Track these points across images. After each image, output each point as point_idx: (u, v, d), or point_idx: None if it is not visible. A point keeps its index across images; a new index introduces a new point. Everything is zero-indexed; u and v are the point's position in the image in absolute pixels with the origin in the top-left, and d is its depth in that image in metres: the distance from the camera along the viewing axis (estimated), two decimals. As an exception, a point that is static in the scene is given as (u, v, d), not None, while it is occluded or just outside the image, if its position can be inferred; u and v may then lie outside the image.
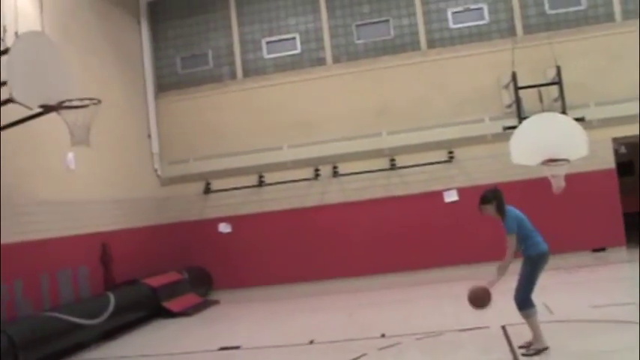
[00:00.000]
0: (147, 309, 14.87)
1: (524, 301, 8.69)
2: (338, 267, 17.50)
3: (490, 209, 8.89)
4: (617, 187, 16.91)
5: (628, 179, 18.86)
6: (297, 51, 18.65)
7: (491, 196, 8.90)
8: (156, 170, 18.63)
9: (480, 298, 8.86)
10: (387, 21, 18.29)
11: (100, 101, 10.76)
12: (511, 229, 8.77)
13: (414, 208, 17.40)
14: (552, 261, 15.96)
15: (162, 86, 19.15)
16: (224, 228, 18.22)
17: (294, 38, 18.72)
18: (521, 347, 8.96)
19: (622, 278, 14.48)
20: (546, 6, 17.50)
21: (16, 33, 10.26)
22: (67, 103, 10.55)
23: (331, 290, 16.71)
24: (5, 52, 9.99)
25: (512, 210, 8.96)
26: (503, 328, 10.37)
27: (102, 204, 15.41)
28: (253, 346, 11.42)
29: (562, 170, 13.73)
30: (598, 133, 16.06)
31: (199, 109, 18.72)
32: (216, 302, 16.81)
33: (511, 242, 8.76)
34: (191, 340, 12.70)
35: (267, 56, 18.77)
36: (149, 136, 18.53)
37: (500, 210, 8.87)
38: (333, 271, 17.50)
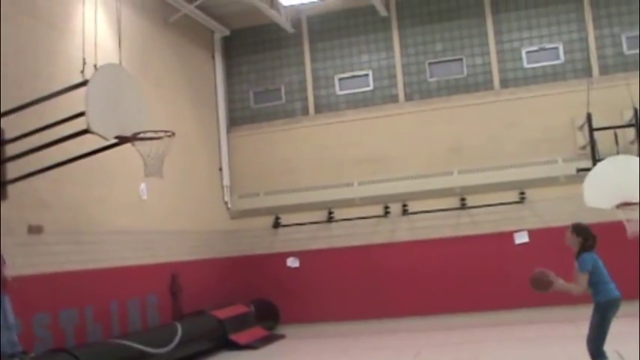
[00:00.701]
0: (213, 340, 14.97)
1: (596, 352, 8.47)
2: (405, 305, 17.30)
3: (574, 241, 8.78)
4: (695, 233, 16.48)
5: None
6: (370, 88, 18.70)
7: (582, 231, 8.81)
8: (226, 203, 18.79)
9: (541, 283, 8.75)
10: (460, 60, 18.25)
11: (173, 134, 10.90)
12: (584, 267, 8.55)
13: (483, 248, 17.18)
14: (627, 308, 15.68)
15: (235, 120, 19.39)
16: (292, 262, 18.20)
17: (366, 75, 18.79)
18: None
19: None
20: (624, 46, 17.26)
21: (95, 66, 10.49)
22: (141, 135, 10.70)
23: (398, 329, 16.57)
24: (84, 84, 10.22)
25: (591, 253, 8.76)
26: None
27: (172, 235, 15.62)
28: (318, 383, 11.41)
29: (637, 214, 13.52)
30: (675, 177, 15.63)
31: (270, 144, 18.85)
32: (282, 337, 16.87)
33: (582, 280, 8.54)
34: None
35: (339, 92, 18.87)
36: (220, 169, 18.73)
37: (582, 246, 8.72)
38: (400, 309, 17.30)
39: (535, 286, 8.81)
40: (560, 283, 8.52)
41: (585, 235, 8.70)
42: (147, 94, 11.76)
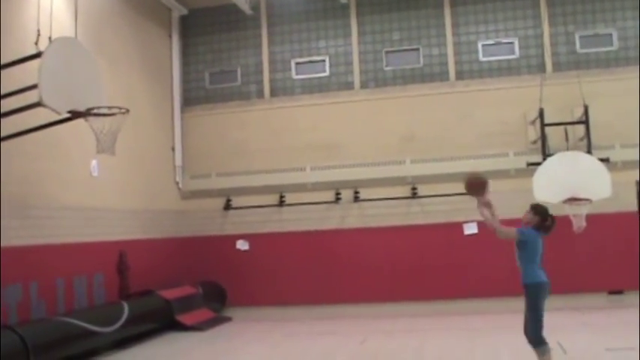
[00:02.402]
0: (160, 321, 14.93)
1: (536, 339, 8.55)
2: (353, 292, 17.38)
3: (532, 219, 9.00)
4: (638, 230, 16.60)
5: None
6: (326, 74, 18.69)
7: (541, 211, 9.00)
8: (177, 183, 18.67)
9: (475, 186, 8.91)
10: (417, 50, 18.30)
11: (127, 111, 10.83)
12: (522, 230, 8.85)
13: (432, 238, 17.30)
14: (568, 301, 16.08)
15: (189, 100, 19.25)
16: (242, 245, 18.13)
17: (323, 61, 18.76)
18: None
19: (637, 322, 14.33)
20: (577, 45, 17.46)
21: (49, 38, 10.35)
22: (95, 111, 10.62)
23: (344, 315, 16.70)
24: (38, 55, 10.07)
25: (537, 232, 8.90)
26: (516, 364, 10.28)
27: (122, 213, 15.49)
28: (263, 366, 11.41)
29: (583, 210, 13.85)
30: (622, 175, 15.94)
31: (224, 126, 18.77)
32: (228, 319, 16.89)
33: (510, 231, 8.84)
34: (202, 355, 12.75)
35: (295, 77, 18.82)
36: (173, 148, 18.58)
37: (538, 225, 8.93)
38: (347, 295, 17.38)
39: (470, 188, 8.93)
40: (491, 211, 8.80)
41: (543, 216, 8.86)
42: (101, 69, 11.63)
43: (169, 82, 18.77)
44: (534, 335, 8.54)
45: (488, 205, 8.81)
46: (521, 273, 8.79)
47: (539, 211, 8.93)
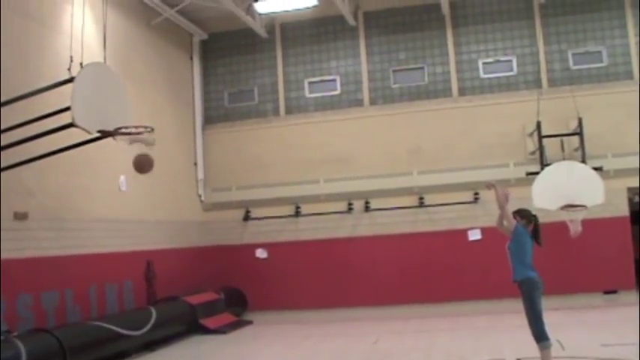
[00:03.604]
0: (185, 324, 15.07)
1: (539, 334, 8.63)
2: (364, 295, 17.50)
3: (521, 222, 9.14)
4: (630, 233, 16.85)
5: (640, 227, 18.78)
6: (337, 92, 18.87)
7: (525, 214, 9.29)
8: (200, 196, 18.85)
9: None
10: (422, 68, 18.47)
11: (152, 129, 10.98)
12: (516, 227, 9.07)
13: (439, 244, 17.39)
14: (566, 300, 16.13)
15: (210, 118, 19.46)
16: (260, 253, 18.29)
17: (334, 80, 18.95)
18: None
19: (631, 320, 14.35)
20: (570, 62, 17.60)
21: (81, 64, 10.54)
22: (123, 130, 10.77)
23: (357, 317, 16.78)
24: (71, 80, 10.27)
25: (527, 232, 9.14)
26: (518, 360, 10.39)
27: (148, 224, 15.68)
28: (282, 365, 11.52)
29: (579, 215, 13.67)
30: (614, 182, 16.05)
31: (243, 142, 18.95)
32: (249, 322, 17.07)
33: (513, 221, 9.06)
34: (224, 357, 12.87)
35: (308, 95, 19.02)
36: (195, 164, 18.81)
37: (536, 237, 9.22)
38: (359, 299, 17.49)
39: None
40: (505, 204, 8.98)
41: (528, 218, 9.10)
42: (128, 91, 11.80)
43: (191, 101, 19.00)
44: (536, 330, 8.62)
45: (506, 196, 9.07)
46: (513, 271, 8.93)
47: (523, 215, 9.15)
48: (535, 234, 9.15)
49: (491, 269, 16.58)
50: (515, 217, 9.10)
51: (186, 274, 16.88)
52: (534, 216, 9.19)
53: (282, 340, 14.57)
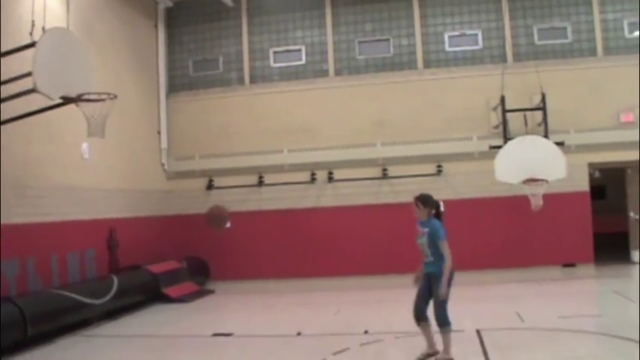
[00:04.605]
0: (147, 293, 15.00)
1: (446, 319, 8.59)
2: (328, 266, 17.60)
3: (422, 212, 8.84)
4: (589, 208, 17.16)
5: (600, 202, 19.05)
6: (302, 62, 18.81)
7: (428, 201, 8.89)
8: (163, 165, 18.75)
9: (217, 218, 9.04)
10: (388, 40, 18.46)
11: (116, 96, 10.86)
12: (444, 235, 8.67)
13: (401, 215, 17.24)
14: (526, 273, 16.41)
15: (174, 87, 19.29)
16: (223, 223, 18.26)
17: (299, 50, 18.87)
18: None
19: (589, 292, 14.70)
20: (535, 37, 17.72)
21: (43, 28, 10.36)
22: (85, 97, 10.64)
23: (320, 287, 16.80)
24: (32, 45, 10.09)
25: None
26: (478, 332, 10.46)
27: (111, 192, 15.55)
28: (244, 334, 11.51)
29: (541, 190, 14.08)
30: (575, 157, 16.31)
31: (207, 111, 18.84)
32: (211, 292, 16.97)
33: (448, 248, 8.64)
34: (187, 325, 12.82)
35: (273, 65, 18.92)
36: (159, 132, 18.66)
37: (431, 215, 8.82)
38: (323, 269, 17.60)
39: (212, 222, 8.97)
40: (443, 282, 8.46)
41: (432, 205, 8.84)
42: (92, 58, 11.64)
43: (155, 70, 18.80)
44: (445, 317, 8.55)
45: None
46: (431, 266, 8.71)
47: (427, 202, 8.84)
48: (441, 216, 8.92)
49: (452, 241, 16.77)
50: (418, 205, 8.85)
51: (149, 243, 16.79)
52: (438, 205, 8.94)
53: (244, 309, 14.58)
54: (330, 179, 18.15)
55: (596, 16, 17.48)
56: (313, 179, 18.23)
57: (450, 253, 8.60)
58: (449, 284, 8.58)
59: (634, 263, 17.43)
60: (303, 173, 18.32)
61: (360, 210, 17.76)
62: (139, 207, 16.87)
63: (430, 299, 8.79)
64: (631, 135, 16.77)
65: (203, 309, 14.87)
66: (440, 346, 8.79)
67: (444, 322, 8.57)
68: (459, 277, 16.27)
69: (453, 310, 12.28)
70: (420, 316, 8.82)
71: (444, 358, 8.63)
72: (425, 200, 8.86)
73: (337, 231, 17.79)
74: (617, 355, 8.73)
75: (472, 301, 13.27)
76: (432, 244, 8.65)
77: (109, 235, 15.10)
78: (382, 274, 17.15)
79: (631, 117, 16.97)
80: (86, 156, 14.44)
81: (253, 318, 13.32)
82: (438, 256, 8.61)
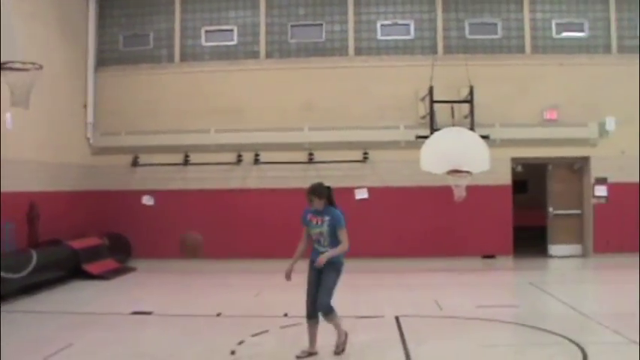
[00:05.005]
0: (67, 269, 14.69)
1: (330, 307, 8.42)
2: (250, 248, 17.61)
3: (319, 203, 8.51)
4: (511, 202, 17.58)
5: (521, 196, 19.44)
6: (234, 42, 18.71)
7: (324, 192, 8.56)
8: (88, 139, 18.41)
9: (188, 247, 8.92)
10: (320, 25, 18.51)
11: (41, 67, 10.58)
12: (344, 223, 8.48)
13: None
14: (447, 263, 16.69)
15: (103, 60, 18.93)
16: (147, 200, 18.18)
17: (231, 30, 18.75)
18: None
19: (506, 283, 15.02)
20: (466, 30, 18.03)
21: (-37, -9, 10.03)
22: (9, 65, 10.35)
23: (242, 269, 16.76)
24: (-48, 9, 9.78)
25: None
26: (397, 318, 10.59)
27: (33, 165, 15.22)
28: (164, 313, 11.42)
29: (464, 181, 14.26)
30: (500, 151, 16.65)
31: (135, 86, 18.58)
32: (133, 269, 16.77)
33: (347, 236, 8.47)
34: (107, 302, 12.66)
35: (204, 44, 18.77)
36: (85, 106, 18.28)
37: (333, 205, 8.60)
38: (246, 251, 17.61)
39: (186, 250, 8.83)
40: (327, 254, 8.32)
41: (325, 194, 8.55)
42: (17, 25, 11.31)
43: (85, 42, 18.41)
44: (329, 305, 8.38)
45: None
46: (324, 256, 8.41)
47: (322, 193, 8.55)
48: (332, 204, 8.65)
49: (377, 228, 17.00)
50: (312, 200, 8.52)
51: (71, 218, 16.51)
52: (329, 188, 8.71)
53: (164, 288, 14.46)
54: (257, 161, 18.15)
55: (526, 15, 17.90)
56: (239, 160, 18.20)
57: (348, 243, 8.47)
58: (338, 273, 8.53)
59: (551, 257, 17.94)
60: (229, 154, 18.27)
61: (285, 193, 17.70)
62: (62, 181, 16.57)
63: None
64: (554, 132, 17.30)
65: (123, 287, 14.72)
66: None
67: (330, 309, 8.41)
68: (381, 263, 16.61)
69: (372, 297, 12.44)
70: (313, 314, 8.56)
71: (343, 341, 8.62)
72: (319, 193, 8.54)
73: (262, 213, 17.81)
74: (531, 344, 8.98)
75: (393, 288, 13.46)
76: (332, 232, 8.46)
77: (29, 208, 14.78)
78: (305, 258, 17.15)
79: (554, 114, 17.45)
80: (9, 126, 14.04)
81: (174, 297, 13.20)
82: (335, 245, 8.43)
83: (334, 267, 8.50)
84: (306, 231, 8.80)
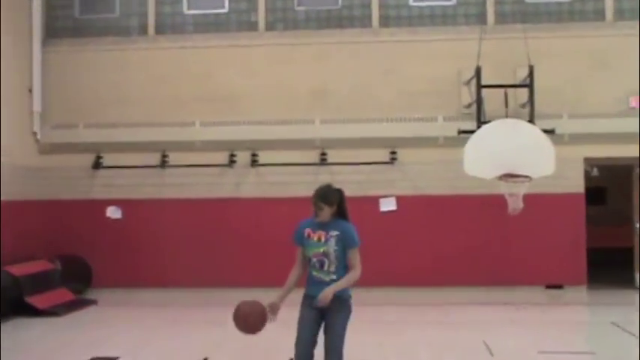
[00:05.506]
0: (5, 303, 14.62)
1: (341, 357, 7.98)
2: (248, 273, 17.45)
3: (328, 213, 8.01)
4: (583, 215, 17.33)
5: (598, 208, 19.24)
6: (224, 10, 18.69)
7: (335, 196, 8.06)
8: (35, 134, 18.40)
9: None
10: (340, -12, 18.45)
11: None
12: (358, 241, 8.00)
13: None
14: (499, 294, 16.49)
15: (54, 32, 18.93)
16: (113, 213, 18.11)
17: (222, -6, 18.76)
18: None
19: (579, 323, 14.90)
20: (525, -7, 17.85)
21: None
22: None
23: (234, 301, 16.32)
24: None
25: None
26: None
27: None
28: (134, 360, 11.41)
29: (521, 189, 13.95)
30: (569, 150, 16.49)
31: (97, 66, 18.47)
32: (93, 302, 16.80)
33: (359, 258, 7.96)
34: (56, 346, 12.57)
35: (187, 12, 18.76)
36: (30, 90, 18.25)
37: (344, 217, 8.11)
38: (241, 277, 17.42)
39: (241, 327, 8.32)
40: (334, 287, 7.77)
41: (336, 200, 8.07)
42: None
43: (28, 7, 18.32)
44: (341, 354, 7.98)
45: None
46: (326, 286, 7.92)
47: (332, 200, 8.03)
48: (343, 215, 8.17)
49: (407, 248, 17.14)
50: (320, 207, 8.01)
51: (12, 236, 16.42)
52: (342, 192, 8.20)
53: (137, 326, 14.45)
54: (254, 163, 18.07)
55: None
56: (232, 162, 18.13)
57: (360, 267, 7.97)
58: (349, 312, 8.08)
59: (637, 288, 17.76)
60: (219, 154, 18.18)
61: (290, 203, 17.39)
62: (1, 187, 16.49)
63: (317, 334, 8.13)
64: (641, 124, 17.05)
65: (80, 325, 14.69)
66: None
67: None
68: (414, 294, 16.44)
69: (405, 338, 12.34)
70: None
71: None
72: (330, 198, 8.04)
73: (261, 229, 17.67)
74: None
75: (429, 326, 13.32)
76: (342, 253, 7.95)
77: (-42, 223, 14.80)
78: (299, 287, 17.04)
79: (643, 102, 17.26)
80: None
81: (147, 339, 13.12)
82: (344, 271, 7.96)
83: (344, 304, 8.03)
84: (301, 252, 8.34)
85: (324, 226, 8.03)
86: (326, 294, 7.70)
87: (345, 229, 7.98)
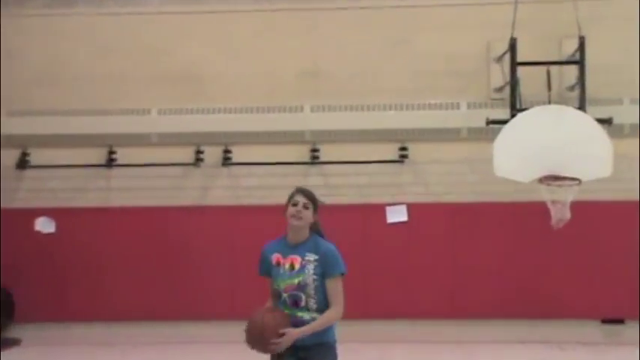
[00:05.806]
0: None
1: None
2: (217, 304, 17.07)
3: (309, 217, 7.60)
4: (648, 229, 17.11)
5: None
6: (189, -35, 18.47)
7: (317, 204, 7.69)
8: (-59, 123, 18.20)
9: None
10: (331, -61, 18.23)
11: None
12: (343, 267, 7.51)
13: (340, 225, 16.53)
14: (545, 330, 16.24)
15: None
16: (43, 226, 17.49)
17: (187, -54, 18.58)
18: None
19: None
20: (574, -60, 17.44)
21: None
22: None
23: (202, 337, 16.58)
24: None
25: None
26: None
27: None
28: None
29: (569, 195, 13.59)
30: (630, 145, 16.14)
31: (24, 37, 17.99)
32: (15, 342, 16.56)
33: (341, 290, 7.47)
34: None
35: (141, -32, 18.59)
36: None
37: (320, 234, 7.75)
38: (209, 308, 17.11)
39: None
40: (311, 326, 7.27)
41: (316, 209, 7.74)
42: None
43: None
44: None
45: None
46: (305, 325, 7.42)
47: (316, 201, 7.73)
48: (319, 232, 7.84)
49: (421, 270, 16.81)
50: (306, 206, 7.61)
51: None
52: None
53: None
54: (227, 161, 17.60)
55: None
56: (198, 160, 17.66)
57: (343, 302, 7.48)
58: (334, 358, 7.59)
59: None
60: (181, 150, 17.73)
61: (272, 213, 16.59)
62: None
63: None
64: None
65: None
66: None
67: None
68: (430, 328, 16.05)
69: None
70: None
71: None
72: (313, 197, 7.70)
73: (235, 247, 17.12)
74: None
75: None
76: (322, 284, 7.40)
77: None
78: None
79: None
80: None
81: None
82: (324, 307, 7.41)
83: (329, 351, 7.56)
84: (271, 285, 7.73)
85: (298, 249, 7.54)
86: (291, 334, 7.15)
87: (327, 251, 7.47)
